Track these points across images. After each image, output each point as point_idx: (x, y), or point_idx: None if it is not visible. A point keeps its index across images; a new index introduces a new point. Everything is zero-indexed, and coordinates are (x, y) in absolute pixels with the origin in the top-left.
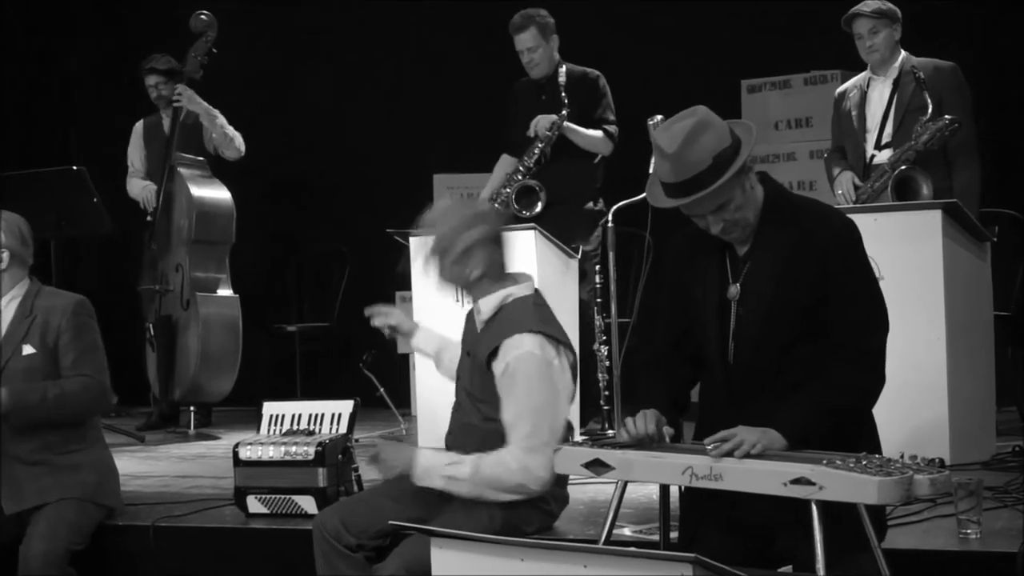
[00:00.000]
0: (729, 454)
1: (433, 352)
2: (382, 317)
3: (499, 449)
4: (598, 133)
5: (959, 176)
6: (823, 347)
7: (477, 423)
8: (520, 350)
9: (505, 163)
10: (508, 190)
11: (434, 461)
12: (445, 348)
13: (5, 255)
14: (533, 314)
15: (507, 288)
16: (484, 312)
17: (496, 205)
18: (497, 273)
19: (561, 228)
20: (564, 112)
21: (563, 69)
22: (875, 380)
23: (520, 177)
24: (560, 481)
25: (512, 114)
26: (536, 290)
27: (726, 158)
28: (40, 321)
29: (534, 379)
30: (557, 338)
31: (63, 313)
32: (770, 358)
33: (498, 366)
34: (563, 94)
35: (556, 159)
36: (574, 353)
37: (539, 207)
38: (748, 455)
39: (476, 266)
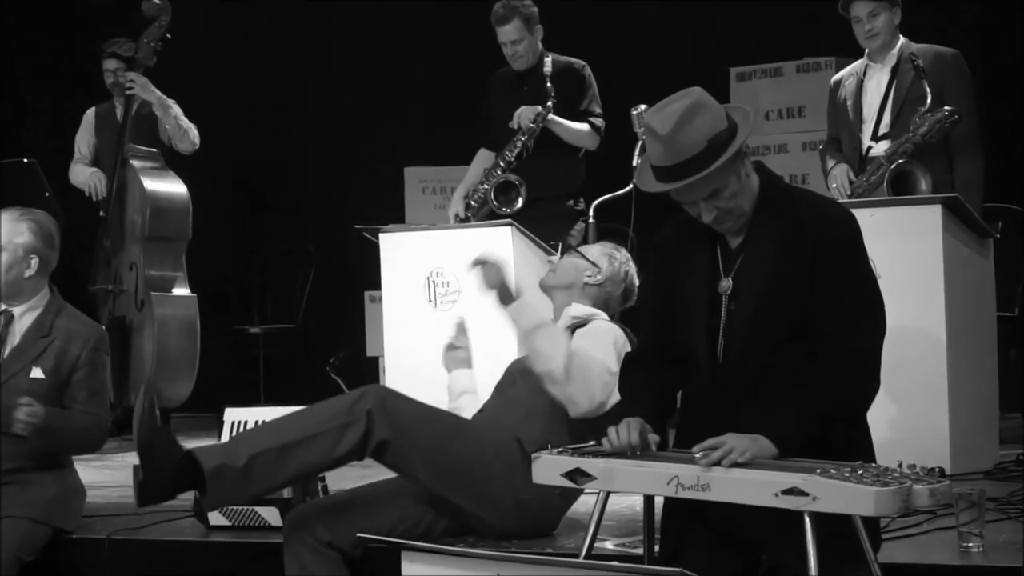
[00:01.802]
0: (719, 463)
1: (459, 391)
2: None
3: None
4: (584, 126)
5: (961, 169)
6: (816, 346)
7: (522, 397)
8: (604, 323)
9: (483, 158)
10: (486, 186)
11: (534, 308)
12: (470, 393)
13: (34, 262)
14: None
15: (599, 311)
16: (572, 314)
17: (472, 202)
18: (602, 305)
19: (540, 225)
20: (549, 103)
21: (548, 59)
22: (868, 384)
23: (500, 172)
24: (559, 512)
25: (491, 107)
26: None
27: (721, 142)
28: (58, 346)
29: (609, 344)
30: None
31: (84, 345)
32: (761, 356)
33: (580, 331)
34: (548, 85)
35: (538, 153)
36: None
37: (520, 203)
38: (736, 464)
39: (606, 284)
